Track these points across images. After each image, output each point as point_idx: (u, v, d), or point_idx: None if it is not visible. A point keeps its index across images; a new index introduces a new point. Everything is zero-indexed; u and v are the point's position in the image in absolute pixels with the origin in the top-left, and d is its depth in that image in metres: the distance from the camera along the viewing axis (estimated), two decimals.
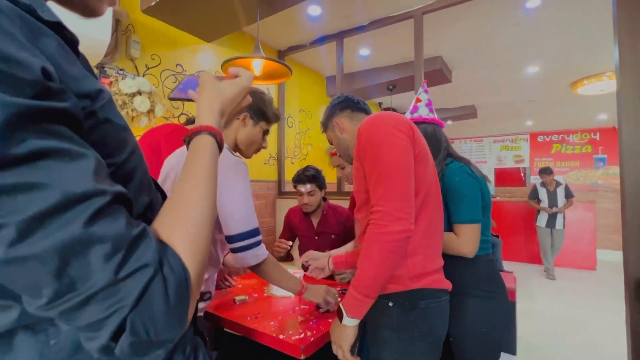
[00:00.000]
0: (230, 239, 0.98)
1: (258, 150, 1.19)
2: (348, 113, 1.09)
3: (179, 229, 0.37)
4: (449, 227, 1.08)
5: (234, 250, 0.99)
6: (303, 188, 1.84)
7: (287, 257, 1.92)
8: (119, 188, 0.33)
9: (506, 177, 7.61)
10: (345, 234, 1.91)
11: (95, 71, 1.84)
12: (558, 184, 4.53)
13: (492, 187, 7.42)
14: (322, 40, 3.03)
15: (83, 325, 0.30)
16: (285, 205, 2.93)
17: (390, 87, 3.88)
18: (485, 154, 7.93)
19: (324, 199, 1.99)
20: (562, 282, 4.14)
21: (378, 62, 3.66)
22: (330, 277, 1.68)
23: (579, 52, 3.31)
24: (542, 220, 4.56)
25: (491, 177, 7.77)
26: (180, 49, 2.42)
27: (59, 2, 0.42)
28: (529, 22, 2.76)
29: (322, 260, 1.33)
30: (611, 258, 5.30)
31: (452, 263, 1.03)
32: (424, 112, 1.21)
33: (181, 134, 1.21)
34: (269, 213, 3.18)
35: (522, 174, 7.48)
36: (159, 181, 1.10)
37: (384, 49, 3.33)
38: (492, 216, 1.19)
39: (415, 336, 0.85)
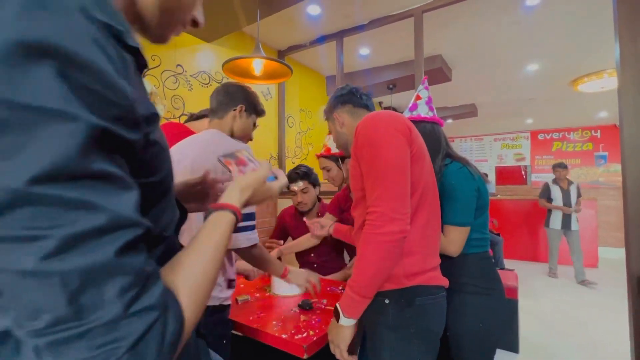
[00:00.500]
0: None
1: (249, 140, 1.28)
2: (349, 108, 1.09)
3: (184, 283, 0.38)
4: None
5: None
6: (296, 186, 1.81)
7: (278, 258, 1.91)
8: (149, 223, 0.34)
9: (507, 175, 7.61)
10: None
11: None
12: (570, 182, 4.23)
13: (492, 186, 7.41)
14: (322, 39, 3.03)
15: None
16: (286, 206, 2.93)
17: (390, 86, 3.88)
18: (486, 153, 7.93)
19: (319, 199, 1.97)
20: (565, 280, 4.14)
21: (378, 62, 3.66)
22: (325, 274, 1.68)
23: (579, 49, 3.31)
24: (555, 221, 4.17)
25: (492, 175, 7.76)
26: (180, 50, 2.43)
27: (138, 28, 0.44)
28: (528, 20, 2.76)
29: (326, 221, 1.47)
30: (613, 255, 5.30)
31: (449, 260, 1.05)
32: (423, 111, 1.21)
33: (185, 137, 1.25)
34: (269, 213, 3.18)
35: (523, 172, 7.48)
36: None
37: (384, 48, 3.33)
38: (493, 215, 1.19)
39: (411, 333, 0.85)
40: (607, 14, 2.52)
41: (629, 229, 1.10)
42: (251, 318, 1.16)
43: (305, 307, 1.23)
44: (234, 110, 1.17)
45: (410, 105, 1.25)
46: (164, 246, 0.43)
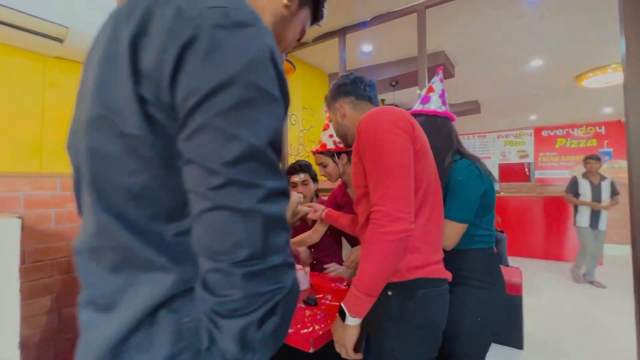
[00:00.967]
0: None
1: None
2: (352, 100, 1.08)
3: None
4: None
5: None
6: (297, 178, 1.85)
7: None
8: None
9: (510, 172, 7.57)
10: (338, 230, 1.91)
11: None
12: (603, 177, 3.82)
13: (496, 183, 7.35)
14: (324, 36, 3.03)
15: (252, 293, 0.34)
16: None
17: (393, 83, 3.87)
18: (489, 150, 7.89)
19: (316, 195, 1.98)
20: (569, 276, 4.12)
21: (380, 58, 3.65)
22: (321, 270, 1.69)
23: (583, 44, 3.28)
24: (582, 219, 3.79)
25: (495, 172, 7.71)
26: None
27: None
28: (532, 14, 2.74)
29: (319, 205, 1.54)
30: (619, 252, 5.27)
31: (453, 253, 1.05)
32: (436, 105, 1.17)
33: None
34: None
35: (526, 169, 7.44)
36: None
37: (387, 45, 3.32)
38: (496, 212, 1.19)
39: (413, 325, 0.86)
40: (611, 8, 2.49)
41: (635, 225, 1.09)
42: None
43: (310, 302, 1.24)
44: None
45: (422, 97, 1.21)
46: None
